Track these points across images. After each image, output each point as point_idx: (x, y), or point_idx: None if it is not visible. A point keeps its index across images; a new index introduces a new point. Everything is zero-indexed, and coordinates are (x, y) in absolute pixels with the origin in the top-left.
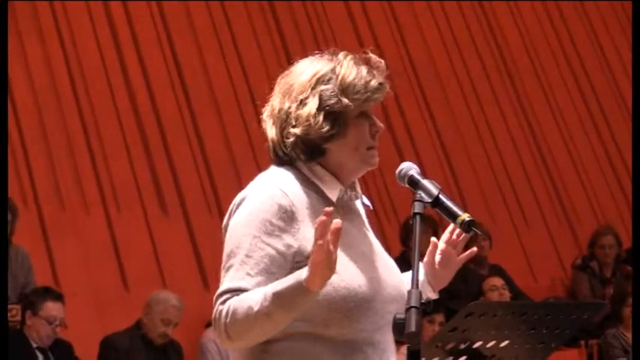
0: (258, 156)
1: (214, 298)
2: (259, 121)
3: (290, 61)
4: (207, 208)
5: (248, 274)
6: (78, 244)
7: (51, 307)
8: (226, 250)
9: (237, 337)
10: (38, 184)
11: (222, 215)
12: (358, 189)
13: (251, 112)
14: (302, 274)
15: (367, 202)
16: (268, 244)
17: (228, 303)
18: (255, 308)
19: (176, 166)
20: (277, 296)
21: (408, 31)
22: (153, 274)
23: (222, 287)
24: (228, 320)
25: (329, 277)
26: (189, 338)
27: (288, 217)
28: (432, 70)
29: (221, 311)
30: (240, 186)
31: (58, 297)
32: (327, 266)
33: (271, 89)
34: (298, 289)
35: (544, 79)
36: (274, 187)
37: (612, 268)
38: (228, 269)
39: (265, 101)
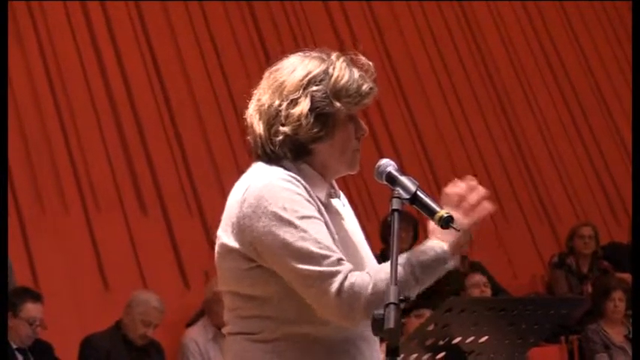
0: (238, 154)
1: (326, 272)
2: (238, 120)
3: (268, 60)
4: (187, 207)
5: (332, 244)
6: (58, 245)
7: (30, 308)
8: (291, 239)
9: (374, 310)
10: (17, 185)
11: (202, 215)
12: (336, 186)
13: (230, 111)
14: (440, 245)
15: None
16: (318, 218)
17: (356, 276)
18: (402, 279)
19: (155, 166)
20: (424, 266)
21: (387, 30)
22: (133, 274)
23: (328, 261)
24: (369, 292)
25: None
26: (169, 338)
27: (307, 194)
28: (412, 69)
29: (353, 284)
30: (221, 185)
31: (37, 297)
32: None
33: (250, 87)
34: (444, 257)
35: (524, 78)
36: (280, 177)
37: (589, 265)
38: (305, 249)
39: (245, 97)
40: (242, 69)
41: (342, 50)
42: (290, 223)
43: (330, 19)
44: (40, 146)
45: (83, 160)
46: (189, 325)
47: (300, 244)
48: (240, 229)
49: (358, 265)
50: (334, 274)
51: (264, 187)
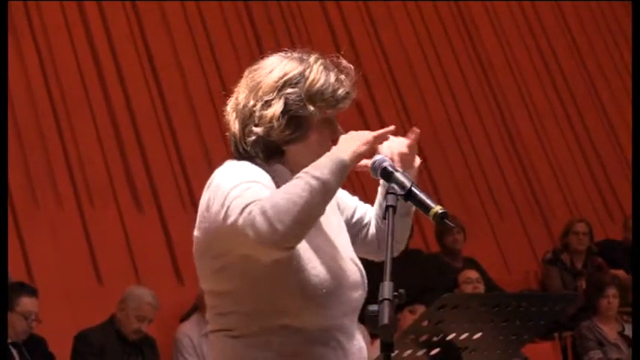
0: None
1: (238, 213)
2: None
3: (264, 58)
4: (181, 203)
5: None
6: (52, 240)
7: (27, 302)
8: (217, 201)
9: (286, 221)
10: (11, 181)
11: (196, 210)
12: None
13: (225, 108)
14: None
15: None
16: (260, 182)
17: (259, 203)
18: (301, 184)
19: (150, 162)
20: (320, 166)
21: (383, 30)
22: (127, 269)
23: (244, 201)
24: (270, 211)
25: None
26: (163, 333)
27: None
28: (408, 68)
29: (252, 212)
30: None
31: (33, 292)
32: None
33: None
34: (339, 160)
35: (518, 75)
36: (247, 164)
37: (583, 261)
38: (234, 198)
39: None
40: (238, 67)
41: (338, 49)
42: (241, 180)
43: (327, 17)
44: (34, 141)
45: (77, 155)
46: (182, 320)
47: (241, 187)
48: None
49: (337, 267)
50: (247, 206)
51: (221, 171)
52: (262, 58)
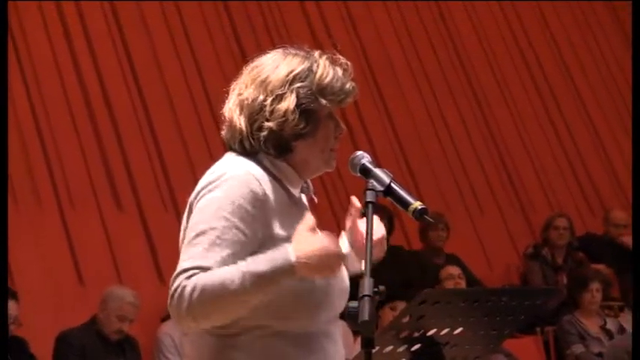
0: (213, 151)
1: (176, 273)
2: (214, 116)
3: (244, 59)
4: (162, 203)
5: (220, 256)
6: (32, 241)
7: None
8: (195, 227)
9: (204, 316)
10: None
11: (177, 210)
12: (309, 182)
13: (205, 108)
14: (288, 255)
15: (314, 197)
16: (240, 230)
17: (194, 279)
18: (231, 287)
19: (130, 162)
20: (259, 277)
21: (363, 30)
22: (108, 270)
23: (189, 263)
24: (194, 297)
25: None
26: (145, 333)
27: (260, 205)
28: (388, 67)
29: (185, 287)
30: (196, 181)
31: (11, 295)
32: (336, 261)
33: (226, 85)
34: (286, 270)
35: (498, 72)
36: (248, 174)
37: (564, 256)
38: (195, 245)
39: (220, 94)
40: (218, 66)
41: (320, 49)
42: (224, 217)
43: (307, 18)
44: (13, 141)
45: (57, 156)
46: (164, 320)
47: (212, 235)
48: (197, 194)
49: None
50: (187, 271)
51: (233, 181)
52: (244, 59)
